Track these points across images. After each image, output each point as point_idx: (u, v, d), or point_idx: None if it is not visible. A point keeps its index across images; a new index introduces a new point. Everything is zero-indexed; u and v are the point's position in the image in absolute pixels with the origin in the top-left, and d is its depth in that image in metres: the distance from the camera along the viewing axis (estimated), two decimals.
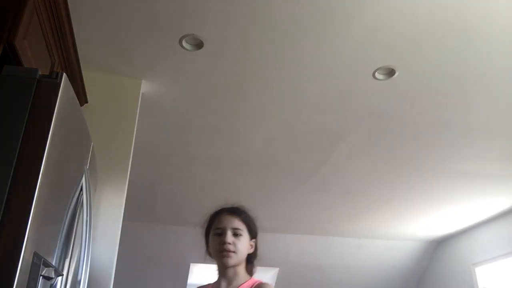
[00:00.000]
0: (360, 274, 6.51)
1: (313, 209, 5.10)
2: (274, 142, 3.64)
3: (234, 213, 1.60)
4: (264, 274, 6.69)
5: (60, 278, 1.42)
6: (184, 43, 2.47)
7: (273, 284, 6.44)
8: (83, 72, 2.26)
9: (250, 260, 1.59)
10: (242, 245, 1.54)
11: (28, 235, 1.10)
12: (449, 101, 3.02)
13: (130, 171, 2.61)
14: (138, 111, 2.75)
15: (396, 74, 2.71)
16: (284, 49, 2.53)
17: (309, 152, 3.79)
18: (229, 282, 1.54)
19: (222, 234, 1.54)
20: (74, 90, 1.50)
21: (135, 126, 2.72)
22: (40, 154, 1.17)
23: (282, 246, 5.97)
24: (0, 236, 1.08)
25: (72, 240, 1.57)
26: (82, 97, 2.39)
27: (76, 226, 1.58)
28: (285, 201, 4.86)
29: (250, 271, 1.58)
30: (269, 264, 6.33)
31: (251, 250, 1.58)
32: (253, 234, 1.59)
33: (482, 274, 5.54)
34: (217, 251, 1.55)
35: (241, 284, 1.52)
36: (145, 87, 2.84)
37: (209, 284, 1.62)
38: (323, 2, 2.19)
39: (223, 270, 1.56)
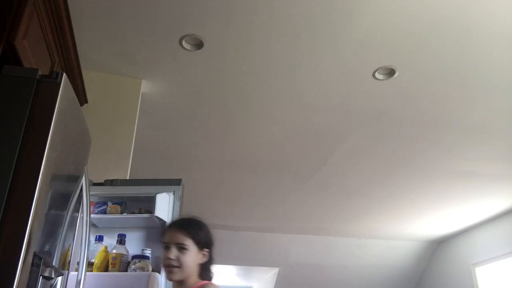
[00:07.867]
0: (360, 274, 6.50)
1: (314, 209, 5.09)
2: (274, 142, 3.64)
3: (180, 228, 1.59)
4: (264, 274, 6.69)
5: (60, 278, 1.42)
6: (184, 43, 2.47)
7: (273, 284, 6.43)
8: (83, 72, 2.26)
9: (206, 268, 1.58)
10: (187, 259, 1.53)
11: (28, 235, 1.09)
12: (449, 101, 3.02)
13: (130, 171, 2.62)
14: (138, 111, 2.75)
15: (396, 74, 2.71)
16: (284, 49, 2.53)
17: (309, 152, 3.79)
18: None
19: (166, 249, 1.56)
20: (74, 90, 1.50)
21: (135, 126, 2.72)
22: (40, 154, 1.17)
23: (282, 246, 5.96)
24: (0, 236, 1.08)
25: (72, 240, 1.57)
26: (82, 97, 2.39)
27: (76, 226, 1.58)
28: (286, 201, 4.85)
29: (205, 277, 1.57)
30: (269, 264, 6.33)
31: (204, 260, 1.57)
32: (202, 245, 1.57)
33: (482, 274, 5.54)
34: (163, 265, 1.58)
35: None
36: (145, 87, 2.84)
37: None
38: (323, 2, 2.19)
39: (172, 282, 1.60)
